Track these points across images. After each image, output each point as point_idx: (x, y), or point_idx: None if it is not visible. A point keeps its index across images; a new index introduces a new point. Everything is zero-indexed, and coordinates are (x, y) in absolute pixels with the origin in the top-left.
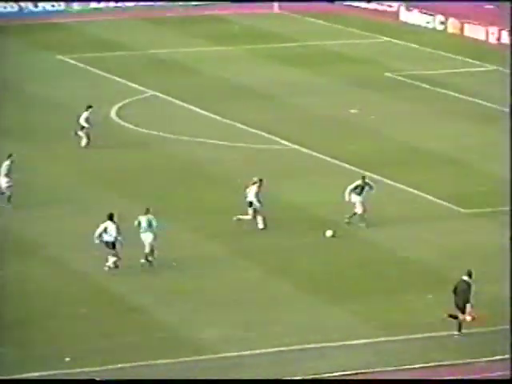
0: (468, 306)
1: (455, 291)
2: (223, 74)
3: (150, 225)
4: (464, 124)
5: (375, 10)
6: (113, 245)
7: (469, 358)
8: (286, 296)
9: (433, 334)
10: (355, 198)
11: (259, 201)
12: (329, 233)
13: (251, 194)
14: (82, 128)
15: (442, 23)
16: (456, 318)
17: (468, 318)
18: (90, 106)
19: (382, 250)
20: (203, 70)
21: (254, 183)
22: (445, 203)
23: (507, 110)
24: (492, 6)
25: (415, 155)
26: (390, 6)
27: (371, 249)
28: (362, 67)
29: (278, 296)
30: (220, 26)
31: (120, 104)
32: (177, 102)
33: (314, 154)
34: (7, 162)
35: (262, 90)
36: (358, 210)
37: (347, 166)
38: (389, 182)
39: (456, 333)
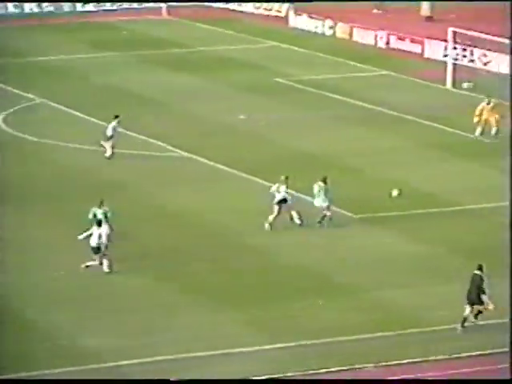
0: (484, 296)
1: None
2: (112, 80)
3: (105, 216)
4: (354, 129)
5: (264, 16)
6: (98, 249)
7: (356, 364)
8: (173, 304)
9: (325, 340)
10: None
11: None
12: (395, 192)
13: (282, 191)
14: (109, 138)
15: (331, 28)
16: (480, 312)
17: (490, 306)
18: (117, 116)
19: (271, 257)
20: (91, 76)
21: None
22: (336, 209)
23: (396, 113)
24: (380, 11)
25: (305, 160)
26: (279, 11)
27: (260, 255)
28: (252, 72)
29: (165, 304)
30: (108, 33)
31: (6, 112)
32: (65, 109)
33: (205, 160)
34: None
35: (152, 96)
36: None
37: (237, 172)
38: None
39: (459, 327)
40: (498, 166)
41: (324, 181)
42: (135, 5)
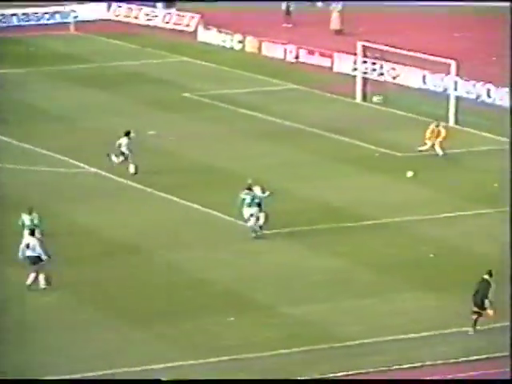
0: (486, 301)
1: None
2: (17, 96)
3: (34, 224)
4: (264, 143)
5: (173, 30)
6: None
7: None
8: (88, 321)
9: (236, 357)
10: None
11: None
12: (409, 173)
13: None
14: (126, 157)
15: (240, 42)
16: (480, 315)
17: (490, 312)
18: (129, 132)
19: (180, 273)
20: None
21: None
22: (244, 224)
23: (306, 128)
24: (290, 25)
25: (215, 176)
26: (188, 26)
27: (170, 271)
28: (160, 88)
29: (79, 321)
30: (15, 48)
31: None
32: None
33: (113, 176)
34: None
35: (59, 112)
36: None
37: (145, 188)
38: (187, 203)
39: (470, 329)
40: (409, 180)
41: (249, 188)
42: (44, 20)
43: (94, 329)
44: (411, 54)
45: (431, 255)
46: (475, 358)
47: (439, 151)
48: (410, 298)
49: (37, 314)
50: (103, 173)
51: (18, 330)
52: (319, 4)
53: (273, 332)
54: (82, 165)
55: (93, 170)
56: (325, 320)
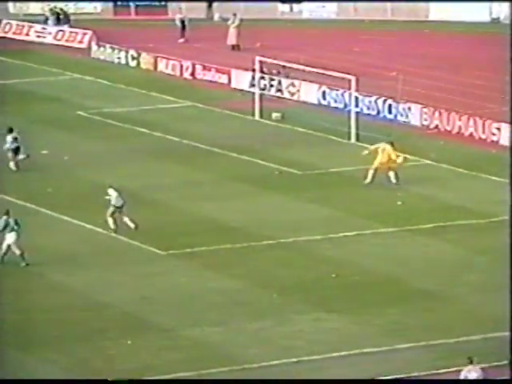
0: None
1: None
2: None
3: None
4: (160, 162)
5: (65, 47)
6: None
7: None
8: None
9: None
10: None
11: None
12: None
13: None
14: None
15: (135, 59)
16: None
17: None
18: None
19: (75, 295)
20: None
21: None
22: (142, 245)
23: (203, 146)
24: (185, 41)
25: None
26: (81, 42)
27: (64, 293)
28: (54, 106)
29: None
30: None
31: None
32: None
33: (5, 197)
34: None
35: None
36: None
37: (40, 208)
38: (83, 223)
39: None
40: (309, 199)
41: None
42: None
43: None
44: (310, 69)
45: (333, 275)
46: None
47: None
48: (310, 319)
49: None
50: None
51: None
52: (216, 18)
53: (171, 355)
54: None
55: None
56: (224, 342)
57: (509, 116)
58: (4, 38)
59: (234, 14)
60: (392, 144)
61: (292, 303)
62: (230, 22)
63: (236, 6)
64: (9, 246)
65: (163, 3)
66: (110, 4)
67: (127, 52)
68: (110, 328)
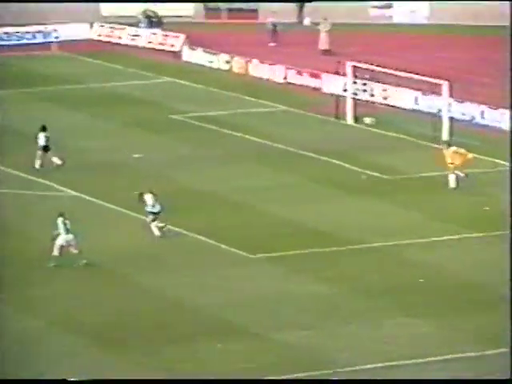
0: None
1: None
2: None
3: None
4: (250, 165)
5: (158, 50)
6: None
7: None
8: (73, 349)
9: None
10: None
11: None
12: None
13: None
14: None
15: (227, 62)
16: None
17: None
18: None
19: (167, 298)
20: None
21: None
22: (232, 248)
23: (295, 150)
24: (274, 44)
25: (200, 199)
26: (173, 46)
27: (157, 296)
28: (145, 109)
29: (64, 349)
30: None
31: None
32: None
33: (97, 201)
34: None
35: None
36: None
37: (131, 213)
38: (175, 227)
39: None
40: (398, 203)
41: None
42: (24, 40)
43: (77, 357)
44: (402, 74)
45: (421, 280)
46: None
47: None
48: (399, 323)
49: (17, 342)
50: (86, 196)
51: None
52: (306, 22)
53: (262, 358)
54: (64, 188)
55: (75, 193)
56: (314, 346)
57: None
58: (96, 40)
59: (325, 19)
60: (449, 144)
61: (381, 308)
62: (321, 27)
63: (327, 11)
64: (62, 247)
65: (254, 8)
66: (202, 7)
67: (219, 56)
68: (200, 331)
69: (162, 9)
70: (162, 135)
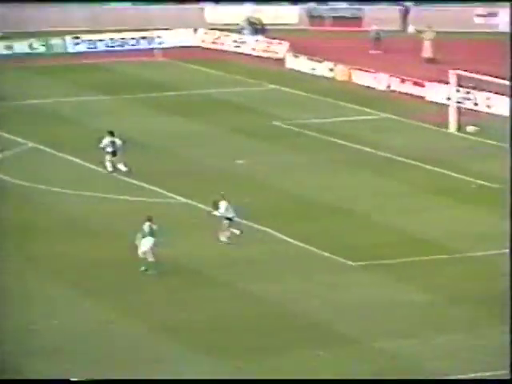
0: None
1: None
2: (105, 124)
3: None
4: (353, 173)
5: (261, 57)
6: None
7: None
8: (174, 354)
9: None
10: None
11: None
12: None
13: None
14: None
15: (331, 70)
16: None
17: None
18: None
19: (269, 305)
20: (85, 120)
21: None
22: (334, 256)
23: (398, 157)
24: (379, 52)
25: (304, 206)
26: (276, 53)
27: (258, 303)
28: (248, 116)
29: (165, 354)
30: (100, 75)
31: None
32: (59, 154)
33: (203, 206)
34: None
35: (146, 140)
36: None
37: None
38: (276, 234)
39: None
40: (504, 213)
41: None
42: (128, 46)
43: (182, 364)
44: (507, 82)
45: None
46: None
47: None
48: (499, 333)
49: (120, 349)
50: (192, 202)
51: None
52: (410, 30)
53: (362, 366)
54: (171, 194)
55: (182, 199)
56: (416, 355)
57: None
58: (200, 47)
59: (429, 27)
60: None
61: (481, 317)
62: (425, 35)
63: (431, 19)
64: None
65: (358, 15)
66: (306, 15)
67: (323, 63)
68: (301, 338)
69: (265, 16)
70: (264, 142)
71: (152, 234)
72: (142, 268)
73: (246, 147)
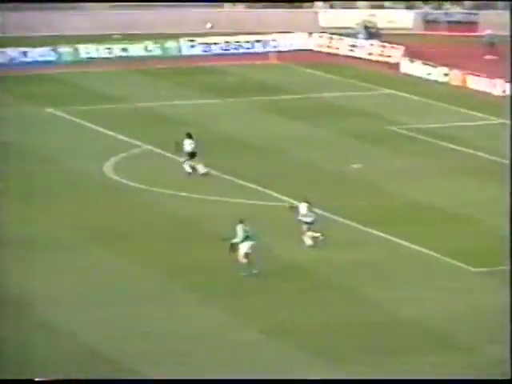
0: None
1: None
2: (220, 126)
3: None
4: (468, 178)
5: (375, 62)
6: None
7: None
8: (285, 358)
9: None
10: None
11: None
12: None
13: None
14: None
15: (445, 75)
16: None
17: None
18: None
19: (383, 309)
20: (199, 122)
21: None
22: (453, 261)
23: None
24: (495, 57)
25: (419, 211)
26: (391, 57)
27: (372, 307)
28: (363, 120)
29: (276, 357)
30: (215, 78)
31: (112, 158)
32: (172, 156)
33: (318, 210)
34: None
35: (261, 143)
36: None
37: (350, 222)
38: (393, 238)
39: None
40: None
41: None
42: (242, 49)
43: (298, 369)
44: None
45: None
46: None
47: None
48: None
49: (233, 352)
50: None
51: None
52: None
53: (472, 372)
54: (283, 197)
55: (296, 203)
56: None
57: None
58: (314, 51)
59: None
60: None
61: None
62: None
63: None
64: (247, 254)
65: (474, 20)
66: (421, 20)
67: (438, 68)
68: (415, 344)
69: (380, 20)
70: (379, 146)
71: (248, 236)
72: (244, 273)
73: (361, 151)
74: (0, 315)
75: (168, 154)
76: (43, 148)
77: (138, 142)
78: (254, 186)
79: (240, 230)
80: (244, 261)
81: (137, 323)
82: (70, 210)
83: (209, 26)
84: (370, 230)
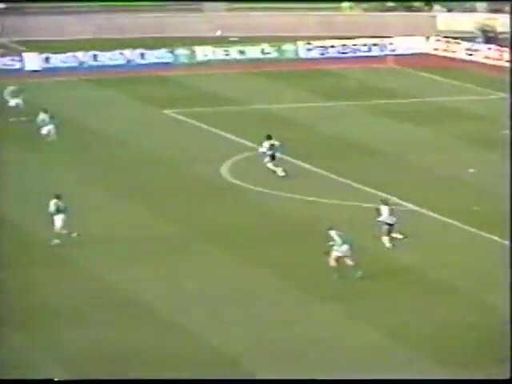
0: None
1: None
2: (336, 130)
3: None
4: None
5: (492, 66)
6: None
7: None
8: (405, 360)
9: None
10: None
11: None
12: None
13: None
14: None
15: None
16: None
17: None
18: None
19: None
20: (316, 125)
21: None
22: None
23: None
24: None
25: None
26: (508, 61)
27: (484, 313)
28: (480, 125)
29: (396, 361)
30: (333, 81)
31: (230, 160)
32: (288, 159)
33: (433, 214)
34: None
35: (377, 147)
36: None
37: (467, 227)
38: (508, 243)
39: None
40: None
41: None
42: (360, 53)
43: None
44: None
45: None
46: None
47: None
48: None
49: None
50: (422, 210)
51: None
52: None
53: None
54: (401, 201)
55: (411, 206)
56: None
57: None
58: (432, 55)
59: None
60: None
61: None
62: None
63: None
64: (338, 258)
65: None
66: None
67: None
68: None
69: (499, 24)
70: (495, 151)
71: (343, 240)
72: (359, 273)
73: (477, 156)
74: (128, 317)
75: (285, 157)
76: (159, 149)
77: (254, 145)
78: (368, 189)
79: (335, 235)
80: (334, 264)
81: (256, 324)
82: (187, 212)
83: (219, 33)
84: (484, 233)
